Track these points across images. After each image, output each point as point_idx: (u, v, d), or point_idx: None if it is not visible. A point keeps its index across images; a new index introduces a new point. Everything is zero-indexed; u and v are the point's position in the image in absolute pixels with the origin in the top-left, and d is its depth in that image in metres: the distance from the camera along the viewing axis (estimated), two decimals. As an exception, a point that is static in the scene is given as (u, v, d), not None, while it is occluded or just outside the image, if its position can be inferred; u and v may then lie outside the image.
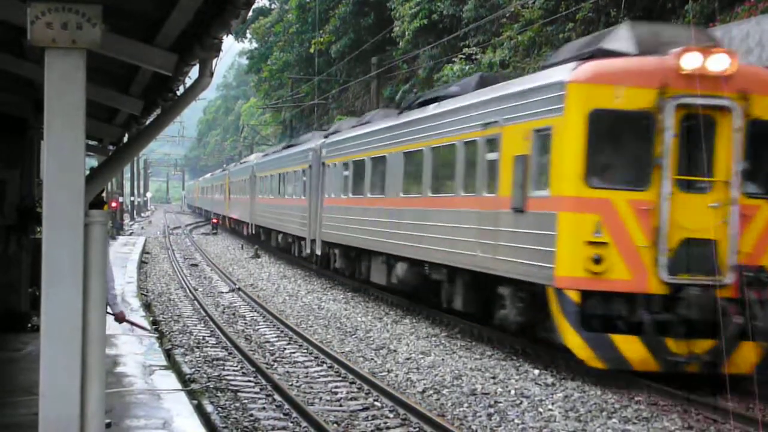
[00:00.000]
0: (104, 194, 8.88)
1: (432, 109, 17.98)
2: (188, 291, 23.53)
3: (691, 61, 12.04)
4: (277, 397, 11.44)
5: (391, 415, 10.65)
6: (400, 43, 36.07)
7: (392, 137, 20.03)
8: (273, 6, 67.02)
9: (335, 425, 10.14)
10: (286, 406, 10.95)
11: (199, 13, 5.76)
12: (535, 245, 12.85)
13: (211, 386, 11.91)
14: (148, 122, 8.58)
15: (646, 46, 12.66)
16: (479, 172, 15.07)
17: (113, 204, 42.43)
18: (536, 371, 13.18)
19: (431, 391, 11.98)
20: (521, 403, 11.35)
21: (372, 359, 14.30)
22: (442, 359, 14.14)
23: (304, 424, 10.14)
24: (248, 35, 67.42)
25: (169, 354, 13.24)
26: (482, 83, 16.72)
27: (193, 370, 12.83)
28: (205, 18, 5.86)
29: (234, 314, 19.43)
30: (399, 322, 18.28)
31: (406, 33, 34.61)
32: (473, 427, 10.24)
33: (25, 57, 7.99)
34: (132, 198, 77.07)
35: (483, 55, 28.25)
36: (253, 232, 42.03)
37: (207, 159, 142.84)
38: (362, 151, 22.39)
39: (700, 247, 11.95)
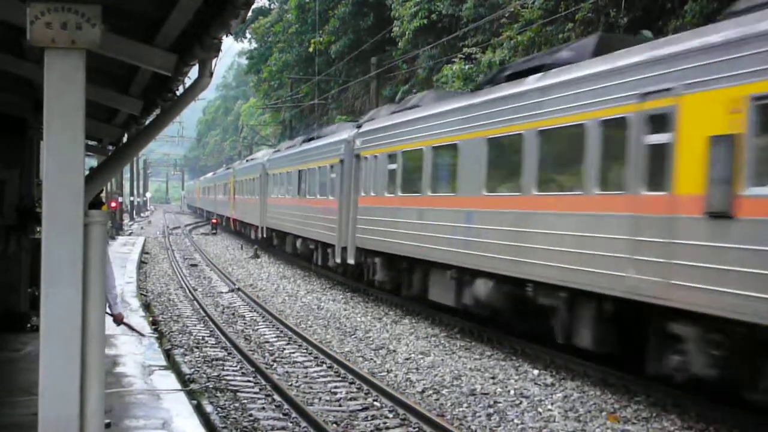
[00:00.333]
0: (103, 194, 8.88)
1: (535, 82, 13.78)
2: (188, 291, 23.52)
3: None
4: (276, 397, 11.44)
5: (391, 415, 10.65)
6: (400, 44, 36.05)
7: (467, 120, 15.75)
8: (272, 6, 67.00)
9: (335, 425, 10.15)
10: (286, 406, 10.96)
11: (199, 14, 5.76)
12: (755, 267, 9.05)
13: (211, 386, 11.92)
14: (147, 122, 8.58)
15: None
16: (632, 162, 11.04)
17: (113, 204, 42.41)
18: (536, 371, 13.18)
19: (431, 391, 11.98)
20: (521, 403, 11.35)
21: (371, 359, 14.30)
22: (442, 359, 14.14)
23: (303, 424, 10.15)
24: (248, 35, 67.42)
25: (168, 354, 13.24)
26: (603, 46, 12.92)
27: (192, 370, 12.84)
28: (204, 18, 5.87)
29: (233, 314, 19.42)
30: (398, 322, 18.27)
31: (406, 33, 34.60)
32: (473, 427, 10.24)
33: (25, 57, 7.99)
34: (131, 198, 77.05)
35: (482, 56, 28.24)
36: (264, 236, 37.91)
37: (206, 159, 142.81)
38: (417, 139, 18.19)
39: None
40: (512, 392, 11.90)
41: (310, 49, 47.96)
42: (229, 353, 14.59)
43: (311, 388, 12.20)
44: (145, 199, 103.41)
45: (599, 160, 11.84)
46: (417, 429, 10.11)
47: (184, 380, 11.69)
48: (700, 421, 10.44)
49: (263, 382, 12.29)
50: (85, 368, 5.44)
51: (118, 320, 9.36)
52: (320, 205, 26.37)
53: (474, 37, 29.96)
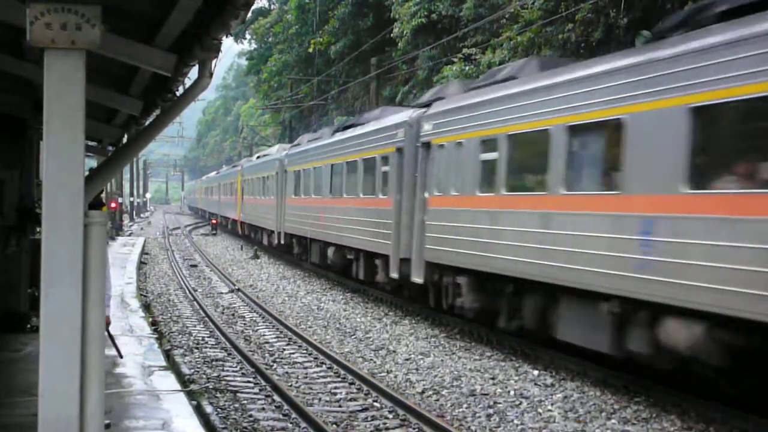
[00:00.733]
0: (103, 195, 8.88)
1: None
2: (187, 292, 23.52)
3: None
4: (276, 397, 11.44)
5: (391, 416, 10.65)
6: (399, 44, 36.06)
7: (651, 83, 10.78)
8: (272, 7, 67.02)
9: (334, 426, 10.14)
10: (286, 406, 10.96)
11: (199, 14, 5.76)
12: None
13: (211, 387, 11.92)
14: (147, 123, 8.58)
15: None
16: None
17: (113, 205, 42.38)
18: (535, 372, 13.17)
19: (431, 392, 11.98)
20: (520, 403, 11.35)
21: (371, 360, 14.30)
22: (442, 360, 14.14)
23: (303, 424, 10.14)
24: (247, 36, 67.44)
25: (168, 355, 13.24)
26: None
27: (192, 370, 12.84)
28: (204, 18, 5.86)
29: (233, 315, 19.42)
30: (398, 322, 18.26)
31: (405, 33, 34.60)
32: (472, 428, 10.24)
33: (25, 57, 7.99)
34: (131, 199, 77.05)
35: (482, 56, 28.23)
36: (281, 242, 32.92)
37: (206, 159, 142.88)
38: (538, 117, 13.25)
39: None
40: (512, 393, 11.89)
41: (310, 50, 47.98)
42: (229, 354, 14.58)
43: (311, 388, 12.20)
44: (144, 199, 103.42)
45: None
46: (417, 429, 10.11)
47: (184, 381, 11.69)
48: (700, 421, 10.44)
49: (263, 383, 12.28)
50: (84, 369, 5.44)
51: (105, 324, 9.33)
52: (366, 206, 21.41)
53: (474, 38, 29.96)
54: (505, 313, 14.59)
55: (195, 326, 17.62)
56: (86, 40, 5.20)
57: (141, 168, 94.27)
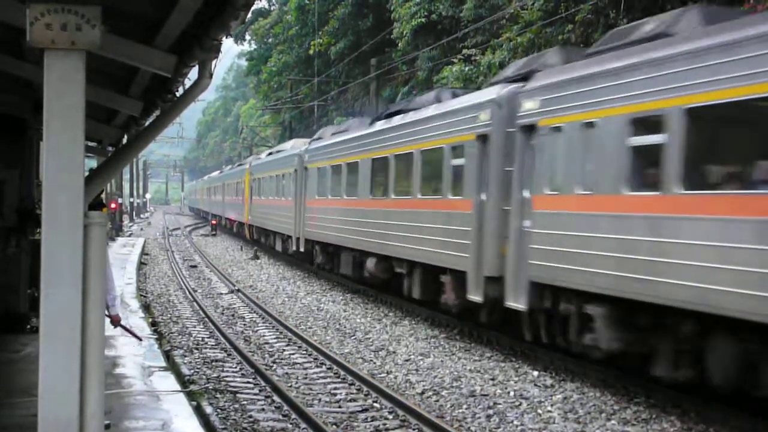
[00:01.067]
0: (103, 195, 8.88)
1: None
2: (187, 292, 23.51)
3: None
4: (276, 398, 11.44)
5: (390, 417, 10.65)
6: (399, 45, 36.08)
7: None
8: (272, 7, 67.06)
9: (334, 427, 10.14)
10: (285, 407, 10.96)
11: (199, 15, 5.76)
12: None
13: (211, 387, 11.91)
14: (147, 123, 8.59)
15: None
16: None
17: (112, 205, 42.36)
18: (535, 373, 13.17)
19: (430, 393, 11.98)
20: (520, 404, 11.35)
21: (371, 361, 14.30)
22: (442, 361, 14.14)
23: (303, 425, 10.14)
24: (247, 37, 67.48)
25: (168, 355, 13.24)
26: None
27: (192, 371, 12.84)
28: (204, 19, 5.86)
29: (233, 315, 19.42)
30: (398, 323, 18.26)
31: (405, 33, 34.61)
32: (472, 429, 10.24)
33: (25, 58, 7.99)
34: (131, 199, 77.05)
35: (482, 57, 28.24)
36: (302, 249, 28.70)
37: (206, 160, 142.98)
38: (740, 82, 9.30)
39: None
40: (512, 393, 11.89)
41: (310, 51, 47.99)
42: (229, 354, 14.58)
43: (311, 389, 12.20)
44: (144, 200, 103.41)
45: None
46: (417, 430, 10.11)
47: (184, 381, 11.68)
48: (700, 422, 10.44)
49: (263, 384, 12.28)
50: (84, 369, 5.44)
51: (115, 322, 9.36)
52: (427, 209, 17.12)
53: (474, 39, 29.97)
54: (669, 359, 10.76)
55: (195, 327, 17.62)
56: (86, 40, 5.20)
57: (141, 168, 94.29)
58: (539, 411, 11.01)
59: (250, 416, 10.54)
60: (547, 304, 12.90)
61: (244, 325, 18.10)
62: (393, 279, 19.85)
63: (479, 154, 14.79)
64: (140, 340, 10.93)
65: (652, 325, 11.00)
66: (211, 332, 16.92)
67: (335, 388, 12.24)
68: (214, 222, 61.47)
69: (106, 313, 8.72)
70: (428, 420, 10.18)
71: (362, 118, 26.21)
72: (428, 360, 14.20)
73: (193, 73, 6.65)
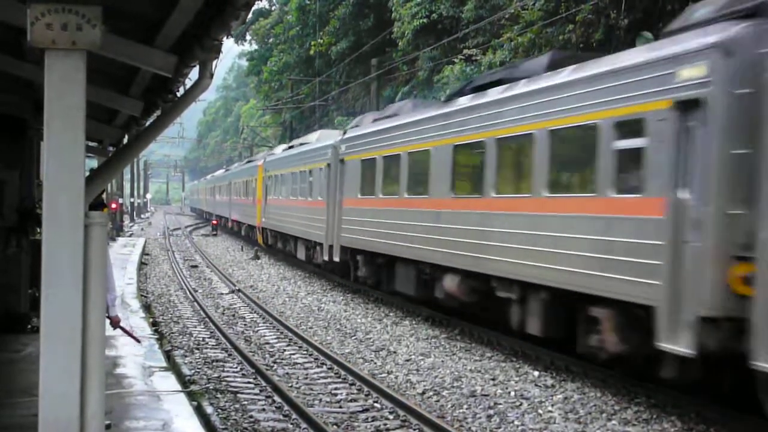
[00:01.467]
0: (104, 195, 8.88)
1: None
2: (188, 292, 23.52)
3: None
4: (276, 398, 11.44)
5: (391, 417, 10.65)
6: (400, 45, 36.09)
7: None
8: (273, 8, 67.09)
9: (335, 427, 10.14)
10: (286, 407, 10.95)
11: (199, 15, 5.76)
12: None
13: (211, 388, 11.91)
14: (148, 123, 8.60)
15: None
16: None
17: (113, 205, 42.36)
18: (536, 373, 13.17)
19: (431, 393, 11.98)
20: (521, 404, 11.34)
21: (372, 361, 14.30)
22: (442, 361, 14.14)
23: (303, 425, 10.14)
24: (248, 37, 67.52)
25: (168, 355, 13.24)
26: None
27: (192, 371, 12.84)
28: (204, 19, 5.86)
29: (234, 315, 19.42)
30: (399, 323, 18.26)
31: (406, 33, 34.62)
32: (473, 429, 10.24)
33: (25, 58, 7.99)
34: (132, 199, 77.08)
35: (483, 57, 28.25)
36: (336, 258, 23.78)
37: (207, 160, 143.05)
38: None
39: None
40: (512, 394, 11.89)
41: (311, 51, 48.02)
42: (230, 354, 14.58)
43: (311, 389, 12.20)
44: (145, 200, 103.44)
45: None
46: (417, 430, 10.10)
47: (185, 381, 11.68)
48: (700, 422, 10.43)
49: (263, 384, 12.28)
50: (85, 369, 5.43)
51: (115, 324, 9.36)
52: (563, 212, 12.51)
53: (474, 39, 29.97)
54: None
55: (195, 327, 17.62)
56: (87, 40, 5.20)
57: (141, 168, 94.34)
58: (540, 411, 11.01)
59: (251, 416, 10.54)
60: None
61: (245, 325, 18.10)
62: (488, 304, 15.28)
63: (677, 129, 10.21)
64: (139, 342, 10.90)
65: None
66: (211, 332, 16.92)
67: (336, 388, 12.24)
68: (215, 222, 61.48)
69: (106, 314, 8.73)
70: (429, 420, 10.17)
71: (414, 100, 23.30)
72: (429, 360, 14.20)
73: (194, 73, 6.65)
